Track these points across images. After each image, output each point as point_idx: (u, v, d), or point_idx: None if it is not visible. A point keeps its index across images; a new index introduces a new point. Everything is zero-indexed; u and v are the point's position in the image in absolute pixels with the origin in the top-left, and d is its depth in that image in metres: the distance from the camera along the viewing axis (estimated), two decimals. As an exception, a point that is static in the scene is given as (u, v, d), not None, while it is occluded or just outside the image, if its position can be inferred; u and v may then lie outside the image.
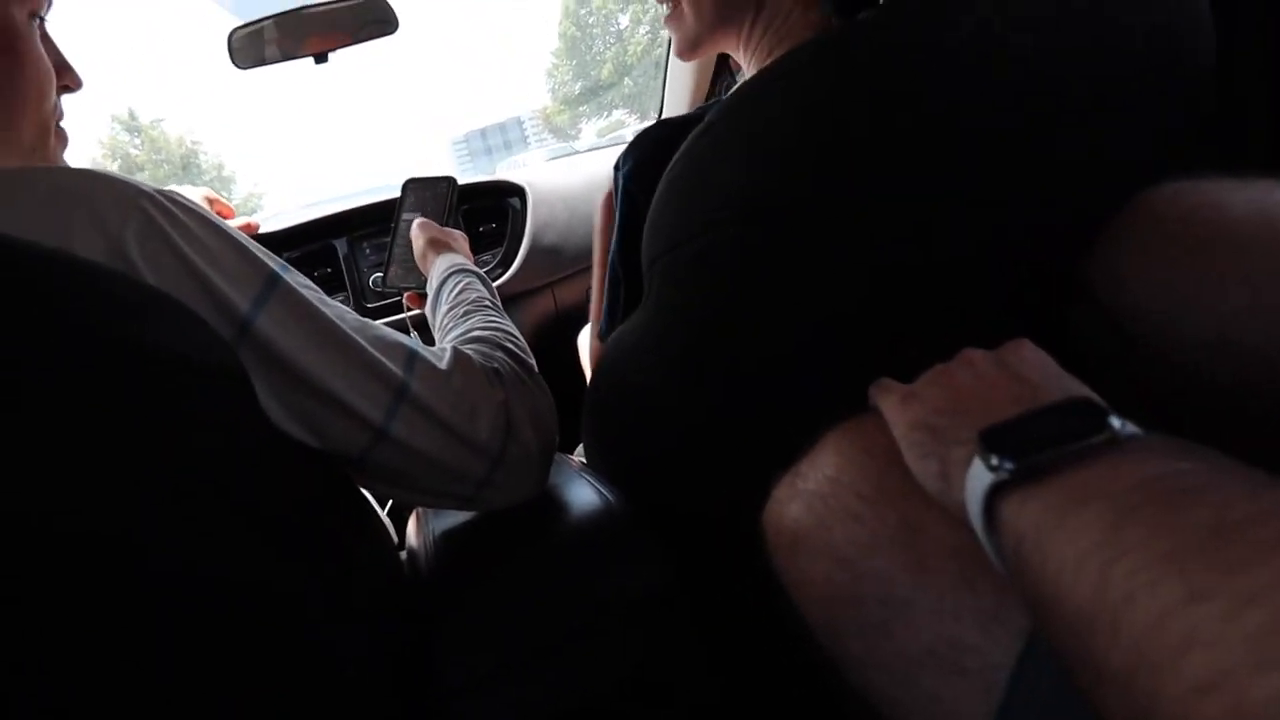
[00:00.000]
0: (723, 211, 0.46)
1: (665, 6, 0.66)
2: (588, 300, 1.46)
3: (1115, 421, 0.26)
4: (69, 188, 0.39)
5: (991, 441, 0.28)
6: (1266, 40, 0.67)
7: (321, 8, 1.16)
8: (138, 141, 29.47)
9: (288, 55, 1.18)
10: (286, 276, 0.45)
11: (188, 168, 30.15)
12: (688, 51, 0.67)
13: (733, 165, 0.45)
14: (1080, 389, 0.34)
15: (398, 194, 0.99)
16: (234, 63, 1.17)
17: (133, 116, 29.32)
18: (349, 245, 1.35)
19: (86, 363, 0.32)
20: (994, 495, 0.27)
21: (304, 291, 0.46)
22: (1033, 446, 0.26)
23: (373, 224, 1.37)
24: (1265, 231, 0.44)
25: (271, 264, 0.45)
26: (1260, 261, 0.43)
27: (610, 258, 0.65)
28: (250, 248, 0.45)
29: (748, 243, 0.46)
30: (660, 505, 0.61)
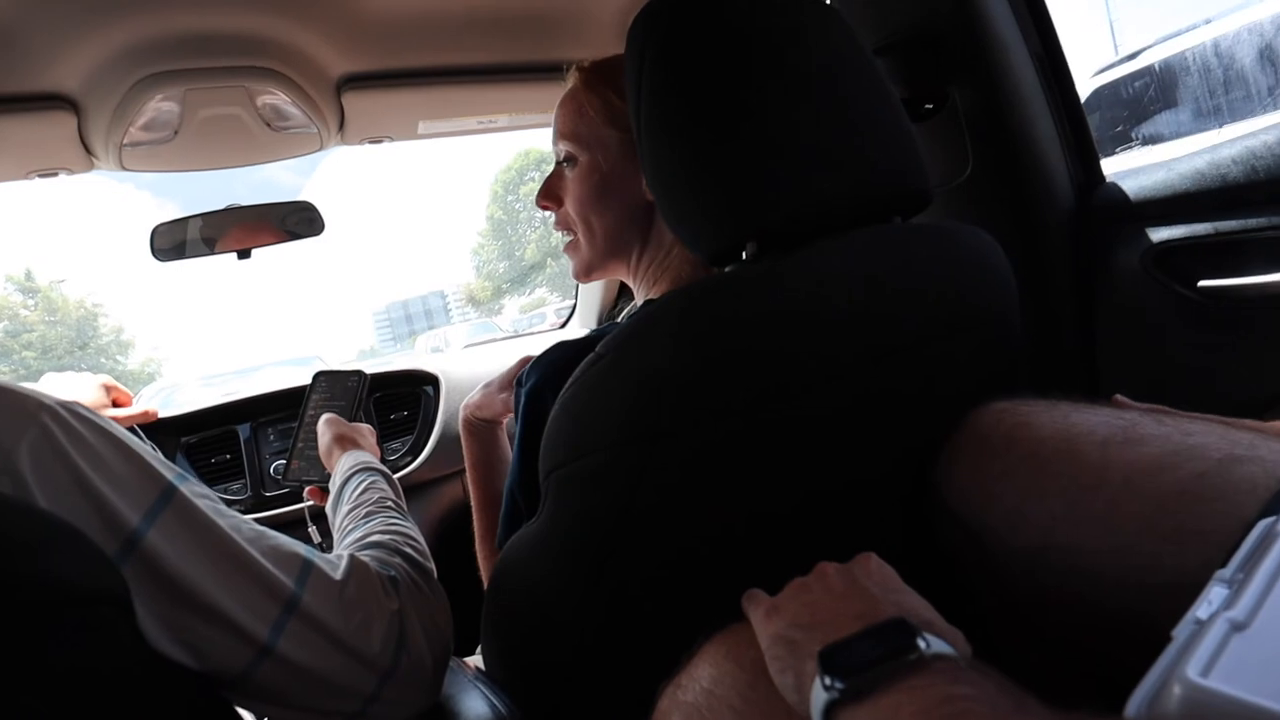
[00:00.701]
0: (611, 434, 0.51)
1: (564, 235, 0.76)
2: (496, 488, 1.47)
3: (922, 642, 0.31)
4: None
5: (827, 661, 0.32)
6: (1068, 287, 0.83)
7: (250, 208, 1.23)
8: (32, 302, 28.30)
9: (210, 250, 1.22)
10: (183, 487, 0.46)
11: (83, 331, 28.89)
12: (583, 276, 0.76)
13: (618, 394, 0.52)
14: (910, 604, 0.39)
15: (309, 367, 1.01)
16: (154, 254, 1.20)
17: (29, 277, 28.40)
18: (252, 430, 1.33)
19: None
20: (829, 712, 0.31)
21: (200, 502, 0.46)
22: (858, 667, 0.31)
23: (279, 410, 1.37)
24: (1065, 451, 0.52)
25: (168, 475, 0.46)
26: (1064, 477, 0.51)
27: (512, 466, 0.69)
28: (147, 458, 0.46)
29: (633, 463, 0.51)
30: (554, 711, 0.61)
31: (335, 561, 0.52)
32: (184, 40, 0.81)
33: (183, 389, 8.19)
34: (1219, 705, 0.25)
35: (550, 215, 0.77)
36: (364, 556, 0.54)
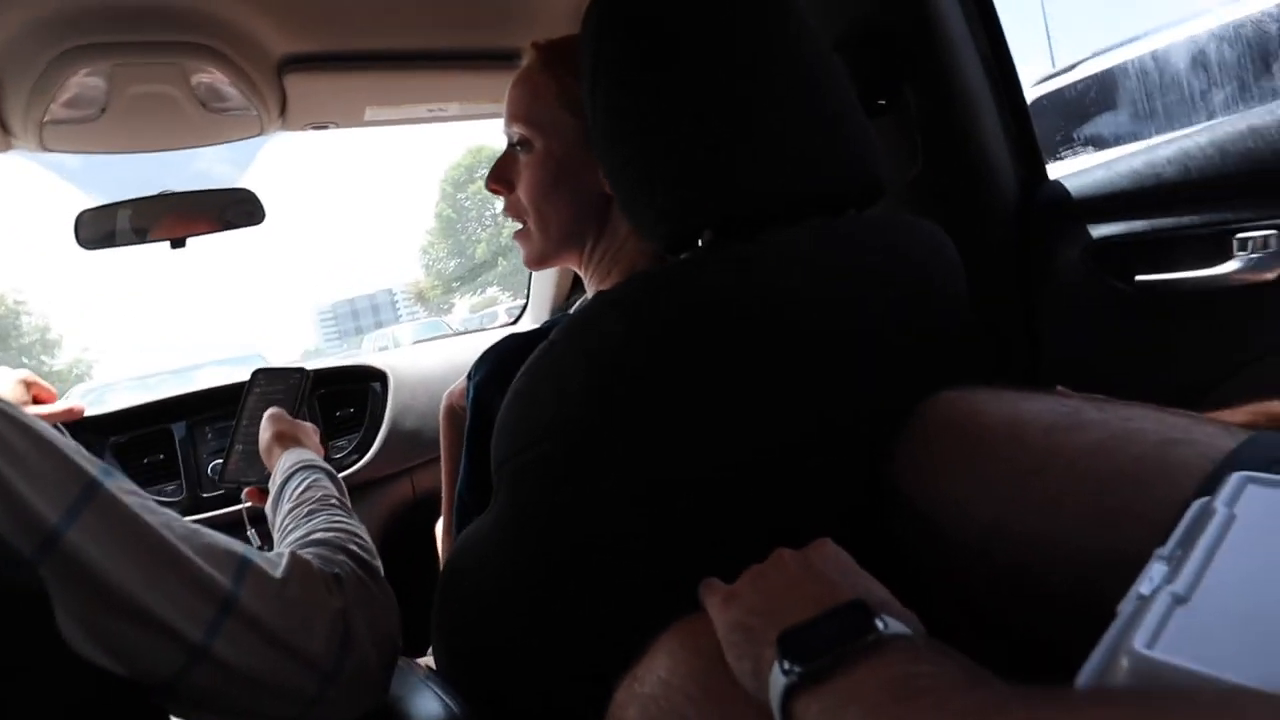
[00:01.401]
0: (564, 419, 0.50)
1: (514, 222, 0.75)
2: (446, 485, 1.44)
3: (880, 623, 0.31)
4: None
5: (786, 645, 0.32)
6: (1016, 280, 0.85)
7: (185, 194, 1.18)
8: (-56, 298, 26.64)
9: (141, 239, 1.16)
10: (108, 483, 0.43)
11: (3, 329, 27.32)
12: (534, 264, 0.74)
13: (572, 379, 0.51)
14: (867, 586, 0.39)
15: (250, 366, 0.98)
16: (79, 242, 1.14)
17: (-59, 270, 26.68)
18: (188, 429, 1.27)
19: None
20: (788, 696, 0.30)
21: (126, 498, 0.43)
22: (816, 651, 0.30)
23: (216, 407, 1.31)
24: (1012, 437, 0.54)
25: (92, 470, 0.43)
26: (1011, 462, 0.52)
27: (462, 458, 0.67)
28: (68, 453, 0.43)
29: (587, 449, 0.50)
30: (509, 708, 0.59)
31: (275, 560, 0.50)
32: (112, 10, 0.76)
33: (115, 389, 7.84)
34: (1164, 674, 0.25)
35: (500, 213, 0.75)
36: (306, 554, 0.52)
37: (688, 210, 0.55)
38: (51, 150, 0.92)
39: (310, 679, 0.47)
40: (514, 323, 1.85)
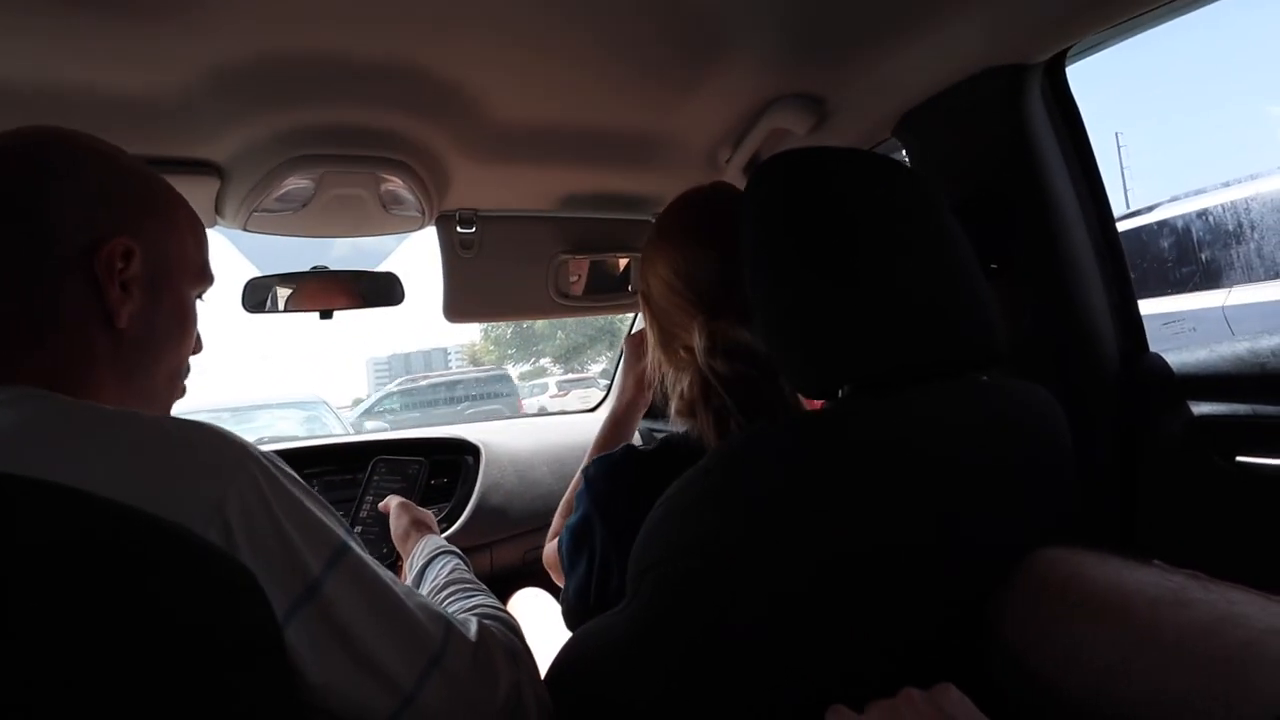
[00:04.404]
0: (716, 544, 0.56)
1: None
2: (523, 563, 1.49)
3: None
4: (183, 439, 0.45)
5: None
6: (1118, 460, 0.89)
7: (337, 272, 1.31)
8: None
9: (292, 309, 1.29)
10: (351, 541, 0.50)
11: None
12: None
13: (729, 510, 0.56)
14: None
15: (312, 412, 1.08)
16: (244, 306, 1.28)
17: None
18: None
19: (179, 643, 0.37)
20: None
21: (366, 556, 0.50)
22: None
23: (317, 463, 1.41)
24: (1117, 605, 0.57)
25: (339, 528, 0.50)
26: (1117, 630, 0.55)
27: (601, 544, 0.73)
28: (325, 508, 0.50)
29: (733, 570, 0.55)
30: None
31: (466, 624, 0.55)
32: (335, 130, 0.91)
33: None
34: None
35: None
36: (488, 624, 0.57)
37: (831, 365, 0.62)
38: (250, 231, 1.07)
39: None
40: (564, 394, 1.97)
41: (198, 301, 0.62)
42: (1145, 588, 0.57)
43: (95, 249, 0.51)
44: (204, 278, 0.62)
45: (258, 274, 1.28)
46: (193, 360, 0.63)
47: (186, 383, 0.63)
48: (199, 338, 0.64)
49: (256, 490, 0.45)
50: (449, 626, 0.52)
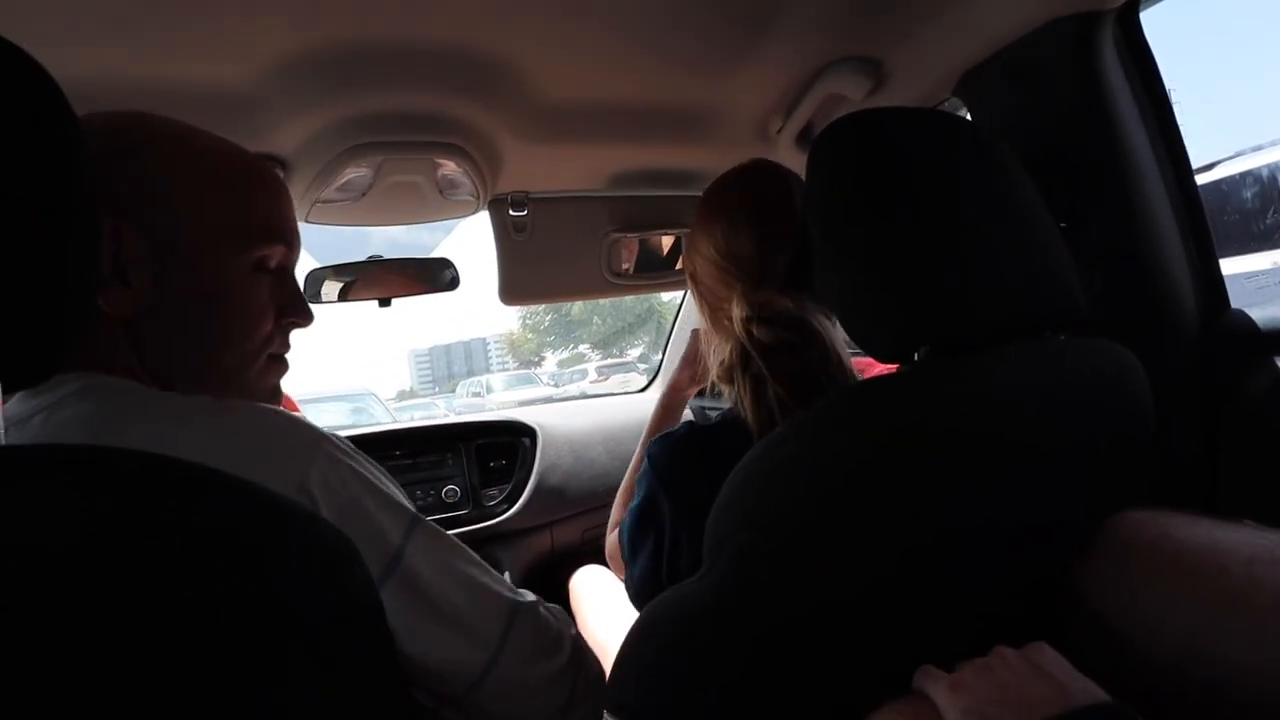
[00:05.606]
0: (796, 515, 0.56)
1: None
2: (583, 542, 1.51)
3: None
4: (261, 423, 0.47)
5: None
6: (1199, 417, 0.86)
7: (393, 260, 1.33)
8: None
9: (352, 298, 1.32)
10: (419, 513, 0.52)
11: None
12: None
13: (806, 479, 0.56)
14: (1094, 692, 0.42)
15: (362, 404, 1.11)
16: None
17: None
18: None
19: (298, 613, 0.38)
20: None
21: (433, 525, 0.53)
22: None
23: (381, 449, 1.45)
24: (1210, 564, 0.55)
25: (408, 501, 0.52)
26: (1210, 589, 0.54)
27: (671, 523, 0.73)
28: (396, 486, 0.52)
29: (809, 546, 0.55)
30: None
31: (523, 592, 0.57)
32: (391, 116, 0.92)
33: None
34: None
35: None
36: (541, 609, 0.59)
37: (908, 329, 0.61)
38: (311, 223, 1.09)
39: (557, 698, 0.54)
40: (603, 379, 2.00)
41: (266, 268, 0.55)
42: (1240, 546, 0.55)
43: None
44: (249, 241, 0.53)
45: (316, 265, 1.32)
46: (296, 336, 0.59)
47: (288, 357, 0.59)
48: (301, 307, 0.59)
49: (335, 467, 0.47)
50: (511, 586, 0.55)
